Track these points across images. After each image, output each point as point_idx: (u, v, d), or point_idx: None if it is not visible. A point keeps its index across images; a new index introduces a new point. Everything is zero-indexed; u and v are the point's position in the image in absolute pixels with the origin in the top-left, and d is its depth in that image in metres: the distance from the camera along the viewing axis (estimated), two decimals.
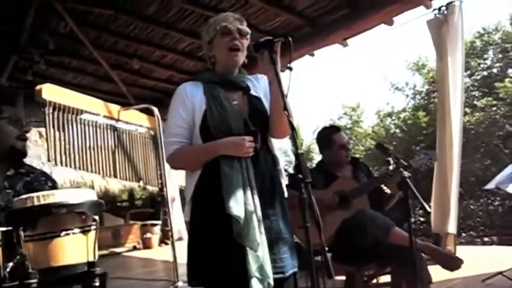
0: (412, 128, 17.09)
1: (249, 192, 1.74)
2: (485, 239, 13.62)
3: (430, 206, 2.25)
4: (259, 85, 1.98)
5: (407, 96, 19.29)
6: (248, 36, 1.94)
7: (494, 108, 14.16)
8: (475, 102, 15.30)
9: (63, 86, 6.20)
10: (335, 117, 23.60)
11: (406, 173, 2.32)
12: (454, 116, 3.89)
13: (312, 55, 5.17)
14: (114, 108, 1.45)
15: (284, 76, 1.73)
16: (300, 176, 1.46)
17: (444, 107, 4.00)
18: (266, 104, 1.92)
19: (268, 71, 1.79)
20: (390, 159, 3.87)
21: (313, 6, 4.62)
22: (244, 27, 1.94)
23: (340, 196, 2.84)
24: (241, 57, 1.92)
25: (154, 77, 6.33)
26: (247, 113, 1.87)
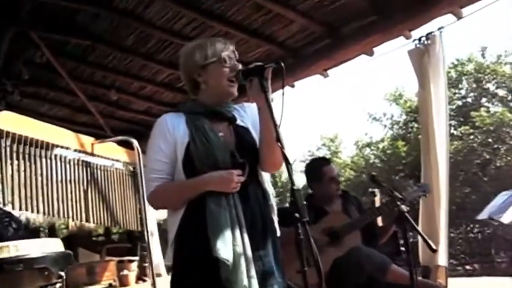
0: (392, 158, 17.21)
1: (237, 232, 1.61)
2: (467, 267, 13.61)
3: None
4: (246, 114, 1.87)
5: (385, 126, 19.49)
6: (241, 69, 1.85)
7: (471, 137, 14.36)
8: (452, 131, 15.51)
9: (38, 117, 6.04)
10: (314, 149, 23.68)
11: (404, 208, 2.22)
12: (440, 146, 3.84)
13: (293, 86, 5.12)
14: (87, 140, 1.30)
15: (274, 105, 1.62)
16: (297, 214, 1.34)
17: (428, 136, 3.95)
18: (255, 134, 1.81)
19: (258, 99, 1.68)
20: (375, 190, 3.80)
21: (294, 37, 4.60)
22: (237, 61, 1.86)
23: (330, 233, 2.73)
24: (236, 90, 1.83)
25: (132, 108, 6.20)
26: (234, 145, 1.76)
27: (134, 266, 8.28)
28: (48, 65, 4.91)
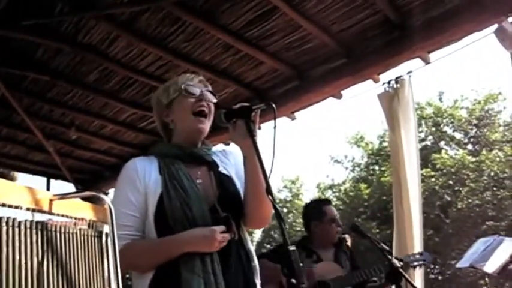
0: (354, 200, 17.33)
1: None
2: None
3: None
4: (228, 161, 1.66)
5: (346, 168, 19.73)
6: (214, 101, 1.67)
7: (432, 179, 14.61)
8: None
9: None
10: (275, 190, 23.60)
11: (397, 263, 2.08)
12: (412, 189, 3.79)
13: (259, 128, 5.01)
14: (44, 196, 1.09)
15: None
16: (293, 280, 1.15)
17: (400, 179, 3.89)
18: (239, 185, 1.58)
19: (244, 145, 1.49)
20: (346, 236, 3.67)
21: (262, 78, 4.52)
22: (211, 91, 1.68)
23: (321, 284, 2.57)
24: (207, 125, 1.61)
25: (92, 148, 5.92)
26: (215, 196, 1.52)
27: None
28: (3, 100, 4.64)
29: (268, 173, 1.37)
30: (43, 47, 4.09)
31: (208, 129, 1.64)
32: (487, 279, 14.36)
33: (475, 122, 16.82)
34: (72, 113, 5.10)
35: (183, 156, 1.60)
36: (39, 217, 1.14)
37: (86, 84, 4.60)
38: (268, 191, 1.33)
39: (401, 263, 2.12)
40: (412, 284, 2.05)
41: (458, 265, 3.34)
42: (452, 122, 17.27)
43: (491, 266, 2.88)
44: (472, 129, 17.00)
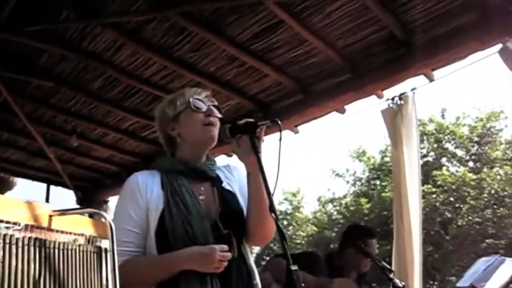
0: (354, 215, 17.27)
1: None
2: None
3: None
4: (232, 177, 1.64)
5: (347, 182, 19.69)
6: (220, 117, 1.65)
7: (433, 196, 14.57)
8: None
9: None
10: (275, 202, 23.54)
11: (399, 283, 2.06)
12: (413, 206, 3.76)
13: (263, 141, 5.00)
14: (43, 212, 1.05)
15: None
16: None
17: (401, 195, 3.87)
18: (242, 201, 1.57)
19: (248, 162, 1.47)
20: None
21: (266, 91, 4.52)
22: (217, 106, 1.67)
23: None
24: (217, 134, 1.59)
25: (93, 155, 5.91)
26: (217, 212, 1.51)
27: None
28: (5, 105, 4.63)
29: (272, 190, 1.35)
30: (48, 53, 4.09)
31: (216, 139, 1.63)
32: None
33: (476, 139, 16.83)
34: (74, 120, 5.09)
35: (186, 171, 1.58)
36: (38, 235, 1.12)
37: (90, 91, 4.60)
38: (272, 209, 1.32)
39: (403, 283, 2.09)
40: None
41: (458, 284, 3.30)
42: (454, 139, 17.27)
43: (492, 286, 2.85)
44: (473, 146, 17.00)
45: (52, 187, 6.56)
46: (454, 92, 34.99)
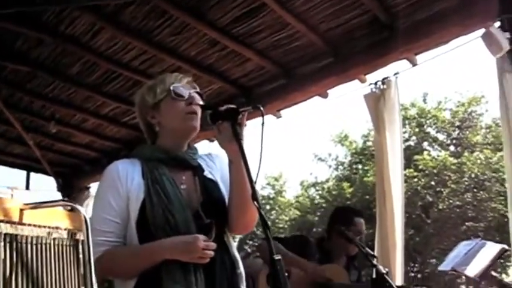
0: (337, 199, 17.37)
1: None
2: None
3: None
4: (214, 165, 1.61)
5: (330, 166, 19.76)
6: (201, 104, 1.61)
7: (415, 180, 14.73)
8: None
9: None
10: (258, 187, 23.59)
11: (382, 268, 2.06)
12: (395, 190, 3.78)
13: (245, 125, 4.96)
14: (13, 206, 1.00)
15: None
16: None
17: (383, 179, 3.89)
18: (224, 190, 1.53)
19: (230, 149, 1.43)
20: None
21: (248, 76, 4.47)
22: (199, 93, 1.62)
23: (324, 282, 2.57)
24: (198, 123, 1.54)
25: (73, 141, 5.81)
26: (199, 201, 1.47)
27: None
28: None
29: (254, 178, 1.32)
30: (23, 37, 3.98)
31: (198, 127, 1.59)
32: (464, 278, 14.58)
33: (458, 123, 17.00)
34: (53, 106, 5.00)
35: (167, 160, 1.54)
36: (8, 230, 1.06)
37: (68, 76, 4.50)
38: (254, 197, 1.29)
39: (387, 270, 2.10)
40: None
41: (440, 268, 3.35)
42: (435, 123, 17.42)
43: (473, 269, 2.89)
44: (454, 130, 17.17)
45: (32, 174, 6.47)
46: (435, 77, 35.29)
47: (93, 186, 6.45)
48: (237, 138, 1.40)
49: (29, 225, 1.06)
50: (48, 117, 5.15)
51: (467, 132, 16.63)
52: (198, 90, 1.63)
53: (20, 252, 0.97)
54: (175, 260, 1.38)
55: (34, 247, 1.02)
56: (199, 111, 1.56)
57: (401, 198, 3.88)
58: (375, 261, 2.13)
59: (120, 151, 5.77)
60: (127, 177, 1.50)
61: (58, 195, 6.29)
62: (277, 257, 1.16)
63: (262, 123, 1.38)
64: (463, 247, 3.19)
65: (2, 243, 0.95)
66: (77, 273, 1.08)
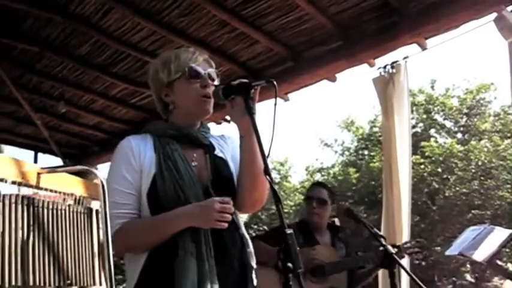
0: (342, 185, 17.34)
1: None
2: None
3: None
4: (226, 145, 1.61)
5: (336, 152, 19.71)
6: (216, 83, 1.61)
7: (421, 166, 14.68)
8: None
9: None
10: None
11: (391, 249, 2.07)
12: (402, 175, 3.77)
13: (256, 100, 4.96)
14: (32, 169, 1.03)
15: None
16: (290, 264, 1.12)
17: (391, 165, 3.88)
18: (233, 169, 1.54)
19: (242, 123, 1.44)
20: (335, 220, 3.68)
21: (257, 58, 4.46)
22: (214, 71, 1.62)
23: (317, 267, 2.59)
24: (212, 106, 1.55)
25: (81, 122, 5.84)
26: (209, 179, 1.48)
27: None
28: None
29: (266, 152, 1.33)
30: (33, 17, 3.98)
31: (212, 110, 1.59)
32: (468, 266, 14.62)
33: (465, 111, 16.87)
34: (61, 86, 5.01)
35: (179, 137, 1.55)
36: (26, 192, 1.09)
37: (77, 57, 4.51)
38: (266, 171, 1.29)
39: (396, 249, 2.12)
40: (405, 270, 2.05)
41: (447, 252, 3.35)
42: (443, 110, 17.30)
43: (481, 254, 2.89)
44: (462, 118, 17.05)
45: (40, 154, 6.50)
46: (444, 63, 35.01)
47: (101, 168, 6.49)
48: (250, 112, 1.40)
49: (46, 189, 1.08)
50: (57, 98, 5.18)
51: (475, 119, 16.51)
52: (213, 67, 1.62)
53: (36, 216, 1.00)
54: (189, 232, 1.39)
55: (50, 212, 1.05)
56: (212, 89, 1.56)
57: (408, 184, 3.88)
58: (383, 242, 2.14)
59: (128, 132, 5.75)
60: (140, 151, 1.51)
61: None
62: (289, 231, 1.17)
63: (275, 97, 1.38)
64: (470, 232, 3.19)
65: (20, 206, 0.97)
66: (90, 241, 1.11)
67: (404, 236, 3.71)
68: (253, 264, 1.53)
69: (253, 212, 1.49)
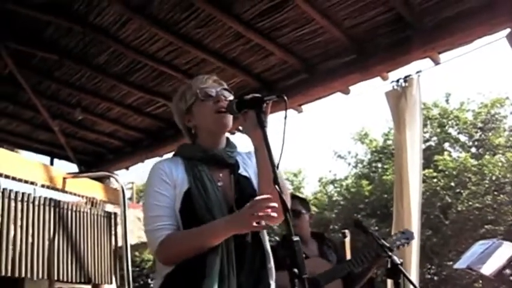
0: (355, 197, 17.28)
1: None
2: None
3: None
4: (250, 162, 1.69)
5: (349, 164, 19.67)
6: (230, 99, 1.68)
7: (434, 180, 14.58)
8: None
9: None
10: None
11: (397, 259, 2.09)
12: (413, 189, 3.78)
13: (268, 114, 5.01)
14: (58, 174, 1.11)
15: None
16: (295, 270, 1.16)
17: (401, 178, 3.89)
18: (256, 185, 1.63)
19: (254, 136, 1.51)
20: (346, 231, 3.69)
21: (271, 70, 4.51)
22: (227, 89, 1.69)
23: (310, 281, 2.59)
24: (230, 120, 1.63)
25: (97, 129, 5.93)
26: (234, 198, 1.57)
27: None
28: (11, 77, 4.65)
29: (276, 164, 1.38)
30: (54, 26, 4.09)
31: (231, 123, 1.67)
32: (481, 281, 14.42)
33: (480, 125, 16.75)
34: (79, 94, 5.11)
35: (206, 159, 1.64)
36: (53, 195, 1.17)
37: (95, 65, 4.61)
38: (275, 181, 1.34)
39: (401, 260, 2.13)
40: (410, 280, 2.07)
41: (455, 266, 3.36)
42: (457, 124, 17.21)
43: (488, 268, 2.89)
44: (476, 132, 16.93)
45: (55, 160, 6.60)
46: (458, 77, 34.79)
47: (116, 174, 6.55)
48: (262, 125, 1.46)
49: (70, 193, 1.16)
50: (75, 105, 5.28)
51: (490, 134, 16.37)
52: (225, 86, 1.70)
53: (61, 217, 1.07)
54: (216, 251, 1.46)
55: (73, 214, 1.12)
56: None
57: (418, 197, 3.88)
58: (389, 253, 2.16)
59: (143, 141, 5.88)
60: (172, 171, 1.61)
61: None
62: (296, 238, 1.22)
63: (286, 112, 1.43)
64: (479, 246, 3.19)
65: (48, 207, 1.04)
66: (109, 243, 1.18)
67: (414, 249, 3.71)
68: (272, 281, 1.59)
69: (277, 223, 1.53)
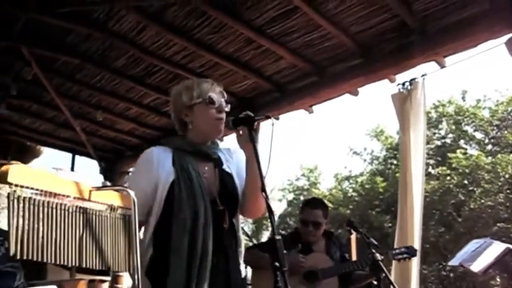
0: (370, 193, 17.32)
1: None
2: None
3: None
4: (231, 159, 1.92)
5: (364, 161, 19.69)
6: (227, 110, 1.90)
7: (448, 178, 14.58)
8: (430, 170, 15.75)
9: (20, 129, 6.06)
10: (293, 178, 23.69)
11: (378, 256, 2.28)
12: (416, 188, 3.94)
13: (277, 119, 5.20)
14: (85, 188, 1.33)
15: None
16: (277, 264, 1.38)
17: (406, 177, 4.05)
18: (237, 181, 1.86)
19: (246, 148, 1.74)
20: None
21: (281, 72, 4.69)
22: (226, 101, 1.92)
23: (309, 273, 2.79)
24: (223, 129, 1.89)
25: (116, 128, 6.19)
26: (217, 190, 1.80)
27: (106, 286, 8.09)
28: (36, 80, 4.91)
29: (264, 173, 1.58)
30: (75, 32, 4.32)
31: (223, 132, 1.90)
32: (498, 279, 14.39)
33: (496, 122, 16.65)
34: (99, 95, 5.36)
35: (193, 152, 1.86)
36: (82, 204, 1.45)
37: (114, 68, 4.84)
38: (262, 189, 1.55)
39: (382, 257, 2.31)
40: (388, 277, 2.24)
41: (450, 263, 3.52)
42: (473, 122, 17.12)
43: (478, 265, 3.06)
44: (493, 130, 16.83)
45: (77, 157, 6.88)
46: (475, 75, 34.37)
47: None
48: (252, 141, 1.69)
49: (94, 202, 1.42)
50: (95, 105, 5.53)
51: (506, 132, 16.27)
52: (226, 98, 1.91)
53: (88, 221, 1.32)
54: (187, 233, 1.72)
55: (97, 218, 1.37)
56: (224, 117, 1.85)
57: (420, 197, 4.01)
58: (373, 250, 2.34)
59: (160, 138, 6.10)
60: (159, 161, 1.82)
61: (100, 178, 6.72)
62: (278, 237, 1.43)
63: (272, 125, 1.64)
64: (472, 245, 3.36)
65: (78, 214, 1.30)
66: (125, 240, 1.45)
67: (416, 244, 3.86)
68: (241, 260, 1.85)
69: (255, 217, 1.85)
